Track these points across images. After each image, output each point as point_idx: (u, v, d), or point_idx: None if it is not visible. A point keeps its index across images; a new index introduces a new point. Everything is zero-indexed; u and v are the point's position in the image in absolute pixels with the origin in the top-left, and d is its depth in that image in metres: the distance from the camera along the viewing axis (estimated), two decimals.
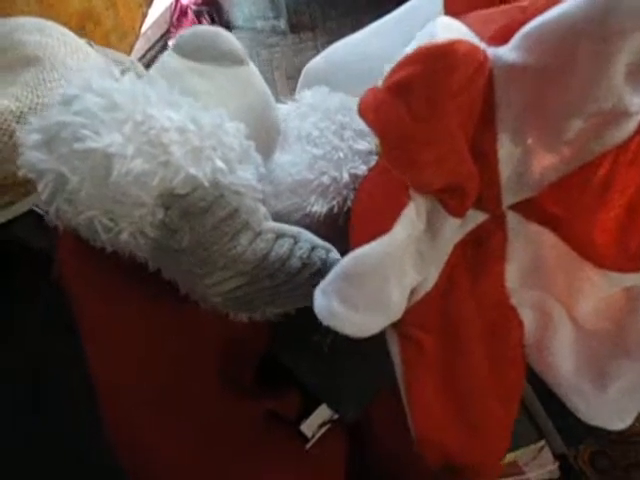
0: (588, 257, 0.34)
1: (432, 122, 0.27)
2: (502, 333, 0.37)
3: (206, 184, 0.32)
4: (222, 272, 0.35)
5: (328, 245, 0.38)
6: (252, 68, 0.41)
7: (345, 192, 0.42)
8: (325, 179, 0.42)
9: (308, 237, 0.37)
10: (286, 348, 0.47)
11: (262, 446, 0.44)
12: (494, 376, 0.36)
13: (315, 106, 0.46)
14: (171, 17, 1.97)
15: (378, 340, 0.34)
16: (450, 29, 0.33)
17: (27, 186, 0.47)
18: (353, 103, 0.46)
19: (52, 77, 0.48)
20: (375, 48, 0.52)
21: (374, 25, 0.54)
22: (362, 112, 0.28)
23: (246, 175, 0.34)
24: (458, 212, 0.33)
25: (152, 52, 1.89)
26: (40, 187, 0.31)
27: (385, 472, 0.51)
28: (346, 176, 0.42)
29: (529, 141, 0.32)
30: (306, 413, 0.47)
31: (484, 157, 0.32)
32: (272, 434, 0.45)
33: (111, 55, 0.63)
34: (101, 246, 0.34)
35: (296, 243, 0.36)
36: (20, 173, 0.31)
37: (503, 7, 0.35)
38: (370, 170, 0.42)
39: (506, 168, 0.33)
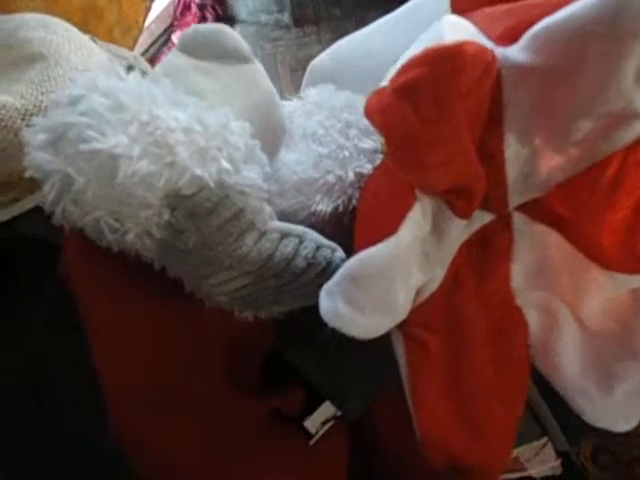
0: (594, 258, 0.34)
1: (439, 124, 0.26)
2: (507, 334, 0.37)
3: (212, 185, 0.32)
4: (227, 272, 0.35)
5: (333, 244, 0.38)
6: (257, 66, 0.41)
7: (350, 191, 0.42)
8: (330, 178, 0.42)
9: (313, 236, 0.37)
10: (292, 346, 0.47)
11: (265, 444, 0.44)
12: (499, 377, 0.36)
13: (320, 104, 0.46)
14: (175, 11, 1.95)
15: (383, 338, 0.34)
16: (457, 28, 0.33)
17: (32, 183, 0.47)
18: (358, 101, 0.46)
19: (57, 74, 0.48)
20: (380, 45, 0.52)
21: (379, 22, 0.53)
22: (368, 113, 0.27)
23: (251, 175, 0.34)
24: (464, 213, 0.33)
25: (155, 46, 1.88)
26: (46, 188, 0.31)
27: (389, 471, 0.51)
28: (351, 175, 0.42)
29: (537, 141, 0.32)
30: (310, 410, 0.47)
31: (491, 158, 0.32)
32: (275, 431, 0.45)
33: (115, 51, 0.63)
34: (107, 246, 0.34)
35: (301, 243, 0.36)
36: (26, 174, 0.31)
37: (510, 5, 0.35)
38: (375, 169, 0.42)
39: (513, 169, 0.33)
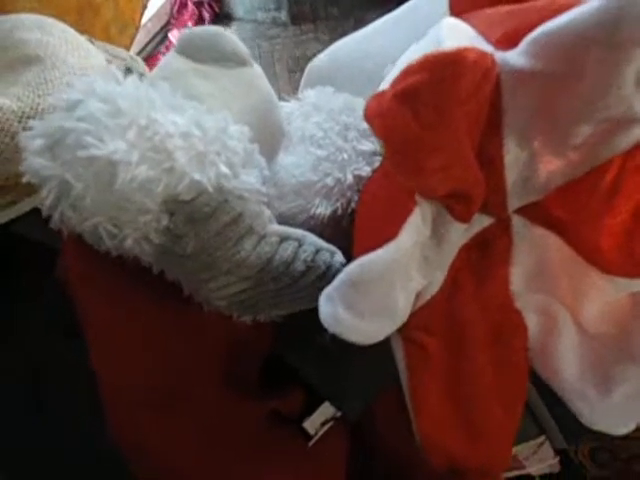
0: (594, 262, 0.34)
1: (439, 129, 0.26)
2: (506, 337, 0.37)
3: (210, 189, 0.32)
4: (226, 276, 0.34)
5: (332, 248, 0.38)
6: (256, 69, 0.41)
7: (349, 194, 0.42)
8: (329, 181, 0.41)
9: (312, 240, 0.37)
10: (291, 348, 0.47)
11: (265, 445, 0.44)
12: (498, 380, 0.36)
13: (319, 106, 0.46)
14: (171, 8, 1.95)
15: (382, 340, 0.34)
16: (457, 32, 0.33)
17: (30, 186, 0.47)
18: (357, 103, 0.46)
19: (53, 76, 0.48)
20: (378, 46, 0.51)
21: (377, 23, 0.53)
22: (368, 118, 0.27)
23: (250, 179, 0.34)
24: (464, 218, 0.33)
25: (152, 44, 1.87)
26: (44, 193, 0.31)
27: (389, 471, 0.51)
28: (350, 177, 0.42)
29: (536, 145, 0.32)
30: (309, 411, 0.47)
31: (490, 162, 0.32)
32: (274, 433, 0.45)
33: (111, 51, 0.63)
34: (105, 250, 0.34)
35: (300, 246, 0.36)
36: (24, 179, 0.31)
37: (510, 7, 0.35)
38: (374, 171, 0.42)
39: (512, 172, 0.33)
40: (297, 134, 0.45)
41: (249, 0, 1.93)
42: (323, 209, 0.42)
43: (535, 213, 0.35)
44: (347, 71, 0.53)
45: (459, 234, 0.35)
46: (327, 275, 0.37)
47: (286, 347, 0.47)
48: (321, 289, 0.32)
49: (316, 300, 0.32)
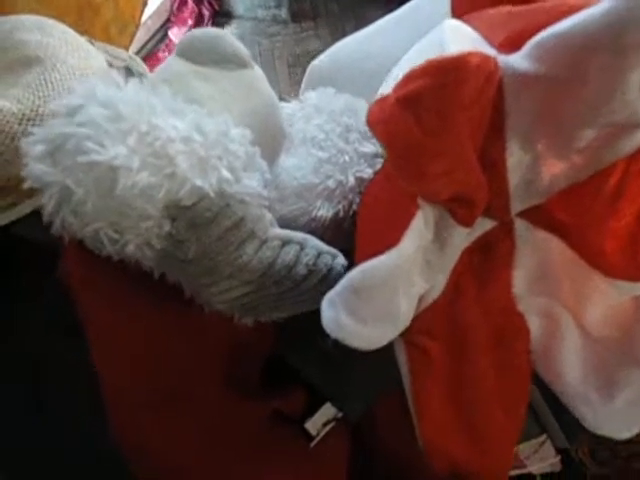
0: (597, 266, 0.33)
1: (442, 135, 0.26)
2: (509, 340, 0.37)
3: (212, 194, 0.32)
4: (228, 281, 0.34)
5: (334, 250, 0.38)
6: (257, 71, 0.41)
7: (351, 196, 0.42)
8: (331, 183, 0.41)
9: (314, 243, 0.37)
10: (293, 349, 0.47)
11: (266, 446, 0.45)
12: (500, 383, 0.36)
13: (320, 108, 0.46)
14: (171, 6, 1.94)
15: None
16: (459, 34, 0.32)
17: (30, 188, 0.47)
18: (358, 104, 0.46)
19: (54, 78, 0.47)
20: (379, 46, 0.51)
21: (378, 23, 0.53)
22: (371, 123, 0.27)
23: (251, 183, 0.34)
24: (467, 221, 0.32)
25: (152, 42, 1.87)
26: (45, 199, 0.30)
27: (389, 473, 0.51)
28: (352, 180, 0.42)
29: (539, 148, 0.32)
30: (310, 411, 0.47)
31: (493, 165, 0.32)
32: (276, 433, 0.46)
33: (111, 52, 0.62)
34: (107, 255, 0.33)
35: (302, 250, 0.36)
36: (25, 185, 0.31)
37: (512, 9, 0.34)
38: (376, 173, 0.42)
39: (515, 175, 0.33)
40: (298, 136, 0.45)
41: None
42: (325, 211, 0.41)
43: (538, 216, 0.34)
44: (348, 71, 0.53)
45: (462, 237, 0.34)
46: (329, 278, 0.36)
47: (288, 348, 0.47)
48: (323, 292, 0.32)
49: (318, 302, 0.32)
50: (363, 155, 0.43)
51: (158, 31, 1.88)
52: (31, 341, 0.45)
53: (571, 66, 0.26)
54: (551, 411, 0.59)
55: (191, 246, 0.32)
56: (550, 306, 0.36)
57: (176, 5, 1.92)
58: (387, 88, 0.35)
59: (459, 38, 0.32)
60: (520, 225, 0.35)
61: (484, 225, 0.35)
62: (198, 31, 0.39)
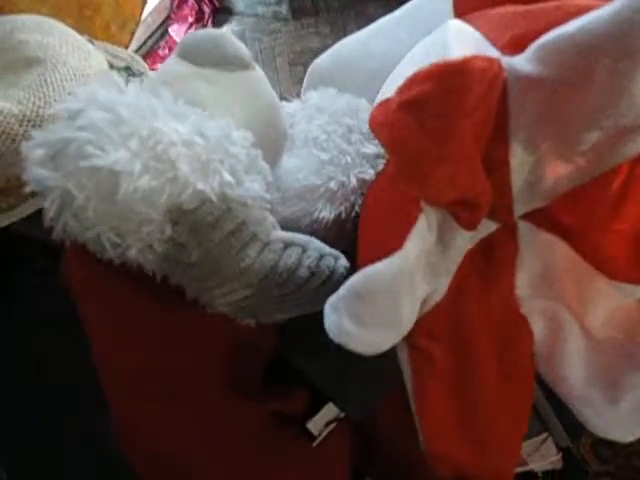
0: (600, 268, 0.33)
1: (446, 140, 0.26)
2: (512, 342, 0.36)
3: (214, 198, 0.31)
4: (230, 284, 0.34)
5: (336, 252, 0.38)
6: (258, 72, 0.40)
7: (353, 197, 0.42)
8: (333, 184, 0.41)
9: (316, 245, 0.37)
10: (296, 350, 0.47)
11: (268, 446, 0.45)
12: (503, 386, 0.36)
13: (321, 108, 0.45)
14: (171, 3, 1.93)
15: None
16: (462, 36, 0.32)
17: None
18: (360, 104, 0.46)
19: (54, 78, 0.47)
20: (380, 46, 0.51)
21: (379, 22, 0.53)
22: (374, 128, 0.27)
23: (253, 186, 0.34)
24: (470, 225, 0.32)
25: (152, 39, 1.86)
26: (46, 203, 0.30)
27: (390, 472, 0.51)
28: (354, 181, 0.41)
29: (543, 150, 0.31)
30: (312, 411, 0.47)
31: (496, 167, 0.32)
32: (278, 433, 0.46)
33: (111, 51, 0.62)
34: (108, 258, 0.33)
35: (304, 252, 0.36)
36: (27, 189, 0.31)
37: (515, 9, 0.34)
38: (378, 174, 0.42)
39: (518, 178, 0.32)
40: (300, 137, 0.45)
41: None
42: (327, 213, 0.41)
43: (541, 218, 0.34)
44: (350, 71, 0.52)
45: (465, 240, 0.34)
46: (331, 280, 0.36)
47: (290, 348, 0.47)
48: (326, 294, 0.32)
49: (320, 304, 0.32)
50: (365, 156, 0.43)
51: (158, 28, 1.88)
52: (31, 341, 0.45)
53: (577, 68, 0.26)
54: (553, 410, 0.59)
55: (193, 250, 0.32)
56: (553, 308, 0.36)
57: (176, 2, 1.91)
58: (390, 89, 0.35)
59: (462, 39, 0.31)
60: (523, 227, 0.35)
61: (487, 227, 0.35)
62: (199, 32, 0.39)
